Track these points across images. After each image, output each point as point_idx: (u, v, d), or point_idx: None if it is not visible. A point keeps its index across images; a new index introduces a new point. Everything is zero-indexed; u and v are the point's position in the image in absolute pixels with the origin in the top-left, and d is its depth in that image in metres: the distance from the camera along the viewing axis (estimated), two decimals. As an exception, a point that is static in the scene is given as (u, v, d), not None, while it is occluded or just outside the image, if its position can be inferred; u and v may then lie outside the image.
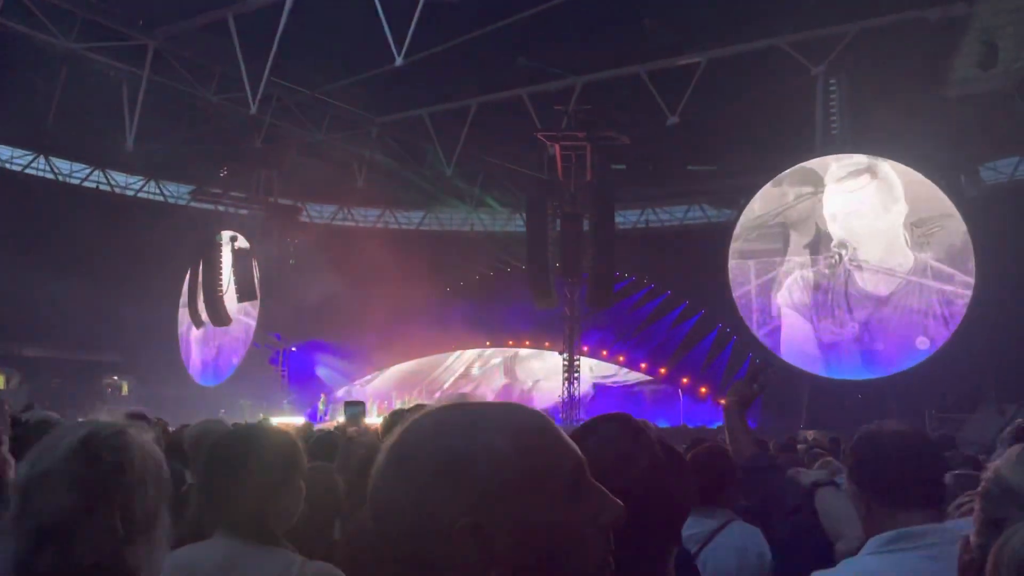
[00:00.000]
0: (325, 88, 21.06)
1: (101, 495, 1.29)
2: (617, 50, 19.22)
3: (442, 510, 0.81)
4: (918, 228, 20.01)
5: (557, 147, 22.30)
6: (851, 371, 20.76)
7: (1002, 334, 19.95)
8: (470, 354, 30.22)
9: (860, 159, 20.57)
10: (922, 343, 19.84)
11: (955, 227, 19.84)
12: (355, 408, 2.97)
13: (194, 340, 29.71)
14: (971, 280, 19.38)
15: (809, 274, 20.98)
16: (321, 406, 25.70)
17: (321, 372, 29.32)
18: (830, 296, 20.68)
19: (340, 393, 29.58)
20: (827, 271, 20.72)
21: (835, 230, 20.67)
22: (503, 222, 30.47)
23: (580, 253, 22.01)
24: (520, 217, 28.69)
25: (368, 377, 30.20)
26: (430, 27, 16.13)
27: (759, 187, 21.66)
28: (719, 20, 17.72)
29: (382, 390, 28.80)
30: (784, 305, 21.22)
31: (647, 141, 21.69)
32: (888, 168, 20.22)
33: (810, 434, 11.84)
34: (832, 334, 20.74)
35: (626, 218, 28.27)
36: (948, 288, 19.64)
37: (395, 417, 3.84)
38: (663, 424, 21.24)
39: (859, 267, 20.37)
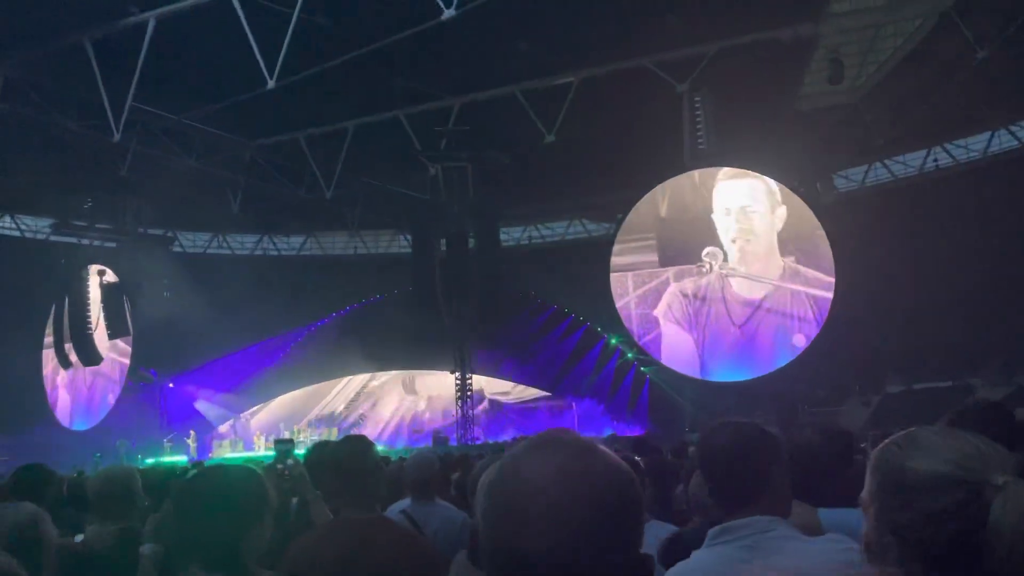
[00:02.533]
0: (194, 112, 20.38)
1: None
2: (493, 70, 19.56)
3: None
4: (785, 233, 21.20)
5: (438, 167, 22.42)
6: (729, 374, 21.70)
7: (861, 331, 21.43)
8: (360, 378, 29.76)
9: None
10: (798, 340, 20.98)
11: (815, 232, 21.11)
12: (285, 445, 2.93)
13: (60, 382, 27.90)
14: (832, 281, 20.66)
15: (688, 286, 21.81)
16: (191, 442, 24.60)
17: (201, 407, 28.15)
18: (708, 309, 21.56)
19: (224, 428, 28.47)
20: (703, 282, 21.60)
21: (728, 222, 21.53)
22: (387, 244, 30.28)
23: (467, 272, 22.15)
24: (404, 239, 28.60)
25: (253, 409, 29.24)
26: (303, 49, 15.92)
27: (634, 201, 22.44)
28: (590, 41, 18.32)
29: (269, 422, 27.91)
30: (663, 318, 21.97)
31: (526, 159, 22.11)
32: (767, 177, 21.38)
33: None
34: (713, 341, 21.63)
35: (510, 235, 28.66)
36: (815, 292, 20.86)
37: (320, 448, 3.82)
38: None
39: (728, 274, 21.34)
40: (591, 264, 23.48)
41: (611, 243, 22.73)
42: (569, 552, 0.88)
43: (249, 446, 25.20)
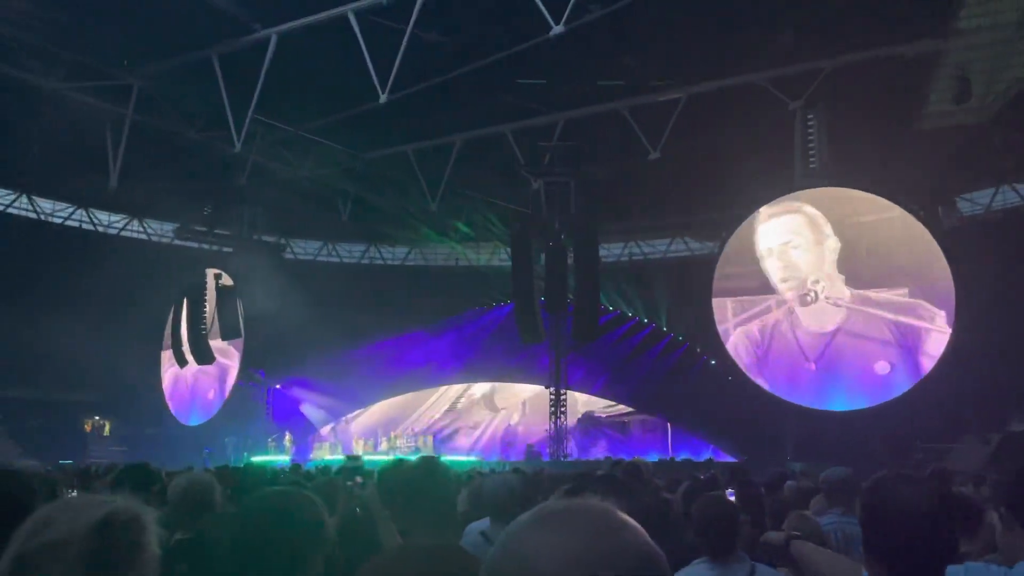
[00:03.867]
0: (310, 125, 21.19)
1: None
2: (599, 86, 19.51)
3: None
4: (880, 262, 20.14)
5: (541, 181, 22.50)
6: (814, 401, 20.73)
7: (982, 364, 20.11)
8: (456, 389, 30.12)
9: (788, 203, 20.79)
10: (881, 367, 19.91)
11: (931, 259, 19.97)
12: (354, 462, 2.99)
13: (177, 379, 29.45)
14: (947, 313, 19.48)
15: (753, 328, 21.02)
16: (288, 444, 25.45)
17: (306, 409, 29.10)
18: (780, 343, 20.69)
19: (325, 431, 29.34)
20: (772, 319, 20.75)
21: (773, 264, 20.80)
22: (487, 257, 30.59)
23: (565, 287, 22.09)
24: (505, 252, 28.83)
25: (354, 414, 30.01)
26: (414, 65, 16.31)
27: (740, 220, 21.85)
28: (699, 57, 18.03)
29: (367, 427, 28.61)
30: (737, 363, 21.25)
31: (629, 175, 21.92)
32: (813, 210, 20.48)
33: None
34: (788, 380, 20.74)
35: (610, 251, 28.44)
36: (902, 319, 19.72)
37: (394, 468, 3.85)
38: (653, 457, 21.15)
39: (822, 303, 20.41)
40: (692, 283, 23.00)
41: (713, 262, 22.18)
42: None
43: (348, 449, 25.86)
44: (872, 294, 19.98)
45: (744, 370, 20.96)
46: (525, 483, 5.63)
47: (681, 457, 21.56)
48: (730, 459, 22.66)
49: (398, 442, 24.89)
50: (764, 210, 20.82)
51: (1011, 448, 20.04)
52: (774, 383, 20.85)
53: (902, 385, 20.01)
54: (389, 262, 31.47)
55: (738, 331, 21.14)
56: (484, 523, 4.19)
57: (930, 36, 17.53)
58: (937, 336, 19.75)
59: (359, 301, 26.88)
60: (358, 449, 25.10)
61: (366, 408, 29.86)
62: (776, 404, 21.54)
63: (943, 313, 19.53)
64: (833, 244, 20.15)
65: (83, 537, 1.32)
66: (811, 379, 20.45)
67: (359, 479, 3.06)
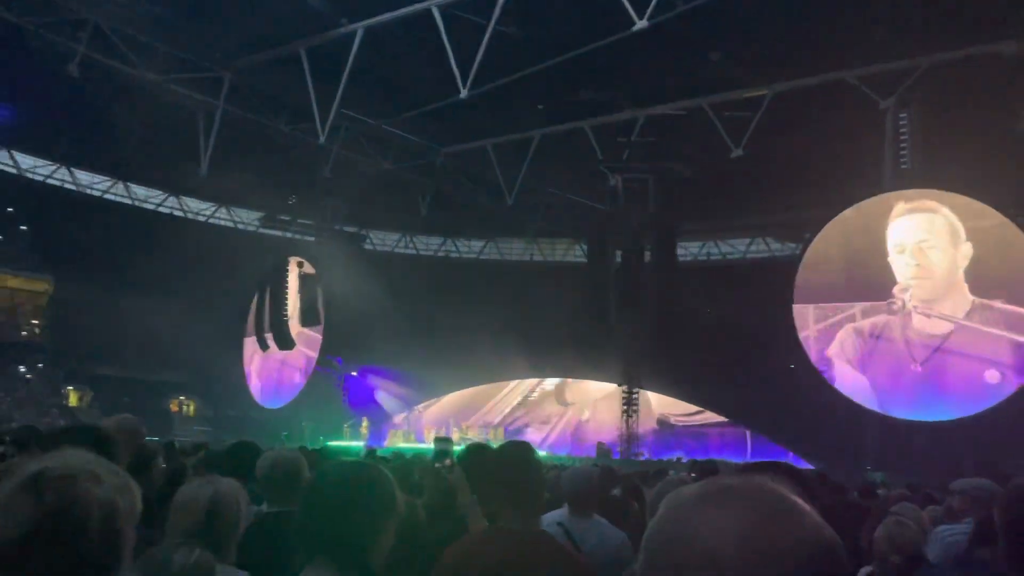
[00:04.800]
0: (392, 119, 21.54)
1: (40, 534, 1.27)
2: (681, 82, 19.24)
3: None
4: (982, 270, 19.26)
5: (619, 178, 22.32)
6: (913, 412, 20.01)
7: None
8: (528, 384, 30.21)
9: (926, 201, 19.95)
10: (992, 376, 19.04)
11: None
12: (444, 444, 3.04)
13: (259, 363, 30.39)
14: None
15: (864, 325, 20.32)
16: (363, 430, 25.90)
17: (380, 397, 29.64)
18: (885, 347, 19.98)
19: (399, 419, 29.82)
20: (882, 321, 20.04)
21: (903, 261, 20.00)
22: (563, 252, 30.55)
23: (641, 285, 21.88)
24: (580, 248, 28.74)
25: (427, 403, 30.42)
26: (495, 59, 16.40)
27: (824, 222, 21.24)
28: (785, 53, 17.61)
29: (439, 417, 28.97)
30: (836, 358, 20.58)
31: (710, 173, 21.55)
32: (950, 212, 19.60)
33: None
34: (890, 382, 20.04)
35: (687, 250, 28.06)
36: (1016, 336, 18.81)
37: (478, 451, 3.88)
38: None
39: (921, 313, 19.65)
40: (773, 285, 22.47)
41: (795, 264, 21.62)
42: None
43: (420, 438, 26.25)
44: (995, 303, 19.12)
45: (846, 363, 20.38)
46: (603, 475, 5.63)
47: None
48: (808, 466, 22.08)
49: (469, 433, 25.11)
50: (899, 204, 20.08)
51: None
52: (875, 384, 20.22)
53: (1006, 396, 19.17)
54: (465, 255, 31.75)
55: (848, 327, 20.55)
56: (560, 513, 4.20)
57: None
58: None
59: (435, 293, 27.20)
60: (429, 438, 25.43)
61: (439, 399, 30.23)
62: (858, 412, 20.90)
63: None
64: (967, 251, 19.31)
65: (10, 495, 1.30)
66: (915, 380, 19.74)
67: (448, 461, 3.10)
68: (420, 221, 27.57)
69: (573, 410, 29.39)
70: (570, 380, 29.42)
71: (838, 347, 20.47)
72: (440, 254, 31.79)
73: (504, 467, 2.76)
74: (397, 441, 25.09)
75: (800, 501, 0.79)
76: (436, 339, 26.37)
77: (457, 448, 3.84)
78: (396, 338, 26.31)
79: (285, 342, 27.10)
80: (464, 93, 17.13)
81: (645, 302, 22.05)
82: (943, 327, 19.50)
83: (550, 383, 29.95)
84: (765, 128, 19.25)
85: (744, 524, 0.75)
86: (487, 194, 24.81)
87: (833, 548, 0.76)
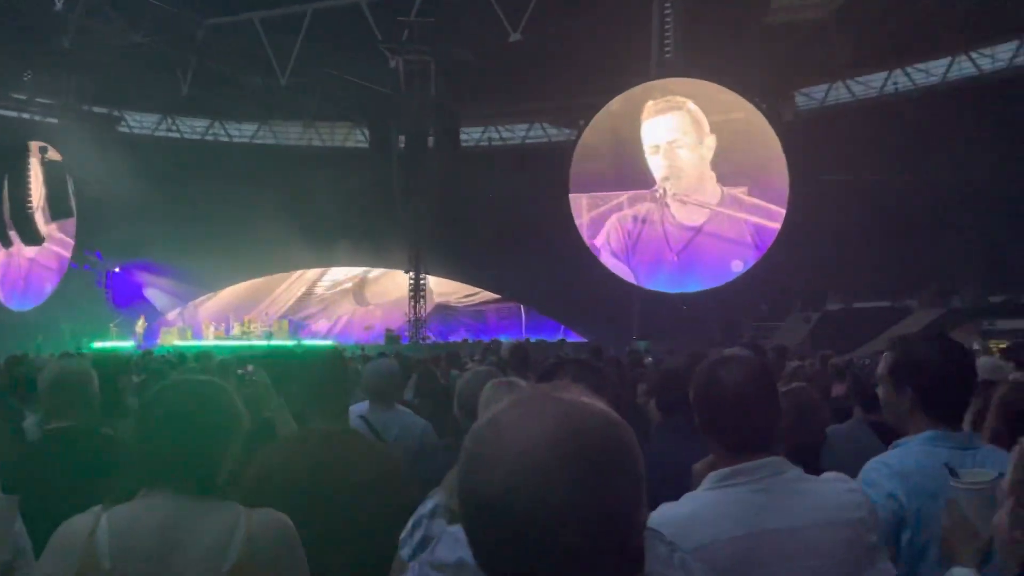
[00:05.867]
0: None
1: None
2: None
3: (633, 508, 0.89)
4: (727, 161, 21.15)
5: (400, 60, 21.75)
6: (670, 287, 22.10)
7: (807, 249, 21.89)
8: (311, 274, 29.61)
9: (673, 98, 21.31)
10: (736, 265, 21.36)
11: (769, 155, 21.13)
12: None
13: (2, 261, 27.22)
14: (781, 209, 20.85)
15: (628, 215, 21.80)
16: (139, 329, 24.35)
17: (150, 293, 27.81)
18: (648, 233, 21.64)
19: (171, 316, 28.27)
20: (645, 208, 21.60)
21: (657, 161, 21.50)
22: (343, 137, 29.60)
23: (425, 171, 21.86)
24: (362, 133, 27.96)
25: (202, 298, 28.99)
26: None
27: (597, 108, 22.16)
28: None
29: (218, 312, 27.76)
30: (603, 250, 22.05)
31: (490, 57, 21.56)
32: (694, 105, 21.15)
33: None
34: (651, 269, 21.87)
35: (469, 135, 28.22)
36: (757, 220, 21.07)
37: (285, 356, 3.80)
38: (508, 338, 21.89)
39: (678, 200, 21.37)
40: (552, 169, 23.31)
41: (570, 151, 22.52)
42: (555, 521, 0.83)
43: (198, 334, 25.12)
44: (740, 193, 21.03)
45: (611, 256, 21.81)
46: (403, 366, 5.78)
47: (536, 339, 22.45)
48: (580, 339, 23.83)
49: (251, 327, 24.36)
50: (649, 104, 21.09)
51: (827, 325, 22.19)
52: (637, 272, 21.87)
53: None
54: (236, 139, 29.85)
55: (613, 218, 21.80)
56: (363, 406, 4.29)
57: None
58: (766, 232, 21.22)
59: (203, 180, 25.50)
60: (208, 335, 24.42)
61: (215, 293, 28.90)
62: (623, 287, 22.68)
63: (781, 207, 20.92)
64: (711, 142, 20.84)
65: None
66: (672, 267, 21.59)
67: (250, 367, 3.03)
68: (182, 102, 25.37)
69: (366, 302, 29.35)
70: (369, 279, 29.16)
71: (604, 238, 21.89)
72: (208, 138, 29.64)
73: (310, 368, 2.76)
74: (172, 339, 23.83)
75: (597, 402, 0.92)
76: (208, 230, 24.90)
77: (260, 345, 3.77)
78: (163, 230, 24.51)
79: (31, 237, 24.43)
80: (227, -40, 15.69)
81: (429, 188, 22.11)
82: (698, 216, 21.40)
83: (342, 278, 29.54)
84: (543, 12, 19.43)
85: (549, 421, 0.88)
86: (258, 73, 23.23)
87: (627, 438, 0.90)
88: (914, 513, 2.06)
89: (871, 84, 26.17)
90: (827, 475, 1.92)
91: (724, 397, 1.84)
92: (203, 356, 7.99)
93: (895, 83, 25.61)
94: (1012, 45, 23.96)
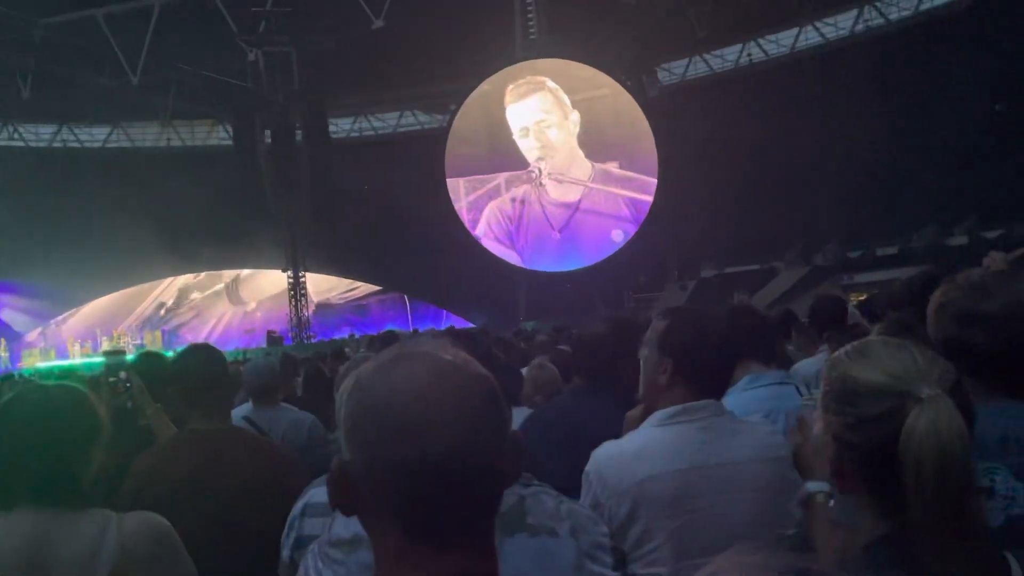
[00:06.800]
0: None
1: None
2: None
3: (505, 432, 0.94)
4: (596, 137, 21.53)
5: (259, 52, 20.97)
6: (555, 265, 22.39)
7: (680, 221, 22.68)
8: (183, 280, 28.30)
9: (533, 78, 21.45)
10: (616, 235, 21.84)
11: (637, 130, 21.67)
12: (117, 357, 2.71)
13: None
14: (653, 180, 21.43)
15: (506, 198, 21.86)
16: (2, 352, 22.74)
17: (5, 315, 25.89)
18: (528, 214, 21.79)
19: (32, 336, 26.46)
20: (522, 191, 21.71)
21: (529, 143, 21.63)
22: (205, 136, 28.35)
23: (294, 165, 21.24)
24: (224, 130, 26.84)
25: (64, 315, 27.22)
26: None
27: (466, 93, 22.11)
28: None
29: (84, 328, 26.13)
30: (485, 238, 21.99)
31: (354, 45, 21.09)
32: (553, 83, 21.40)
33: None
34: (536, 250, 22.04)
35: (339, 126, 27.60)
36: (630, 194, 21.59)
37: (155, 359, 3.57)
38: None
39: (554, 179, 21.59)
40: (426, 157, 23.11)
41: (445, 135, 22.39)
42: (460, 452, 0.86)
43: (63, 354, 23.58)
44: (611, 168, 21.39)
45: (495, 242, 21.76)
46: (284, 363, 5.58)
47: (424, 328, 22.30)
48: (469, 324, 23.83)
49: (122, 340, 23.08)
50: (510, 88, 21.05)
51: (703, 291, 23.08)
52: (523, 254, 21.94)
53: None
54: (87, 144, 28.08)
55: (491, 205, 21.71)
56: (246, 408, 4.12)
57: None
58: (640, 204, 21.80)
59: (53, 190, 23.90)
60: (75, 353, 22.99)
61: (78, 308, 27.19)
62: (508, 270, 22.83)
63: (652, 179, 21.50)
64: (576, 118, 21.04)
65: None
66: (555, 244, 21.79)
67: (124, 374, 2.84)
68: (23, 106, 23.60)
69: (236, 308, 28.32)
70: (244, 276, 28.10)
71: (485, 226, 21.85)
72: (56, 144, 27.74)
73: (192, 371, 2.62)
74: (35, 361, 22.28)
75: (463, 353, 0.95)
76: (63, 243, 23.36)
77: (130, 358, 3.53)
78: (11, 245, 22.80)
79: None
80: (61, -47, 14.64)
81: (300, 182, 21.51)
82: (574, 193, 21.73)
83: (206, 280, 28.37)
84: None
85: (430, 366, 0.91)
86: (106, 73, 21.86)
87: (493, 391, 0.93)
88: None
89: (727, 57, 27.27)
90: (753, 418, 2.14)
91: (711, 346, 2.01)
92: (68, 374, 7.47)
93: (749, 54, 26.78)
94: (852, 14, 25.53)
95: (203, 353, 2.69)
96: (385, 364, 0.93)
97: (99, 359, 20.13)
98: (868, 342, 1.19)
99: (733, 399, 2.32)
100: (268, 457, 2.58)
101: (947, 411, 1.02)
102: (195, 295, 28.60)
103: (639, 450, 1.91)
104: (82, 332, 25.51)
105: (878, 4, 25.06)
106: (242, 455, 2.49)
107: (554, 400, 3.30)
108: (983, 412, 1.40)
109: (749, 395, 2.62)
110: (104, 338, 23.70)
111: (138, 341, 23.25)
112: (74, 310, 27.26)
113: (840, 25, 25.75)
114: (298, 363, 6.43)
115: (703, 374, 1.99)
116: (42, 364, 20.82)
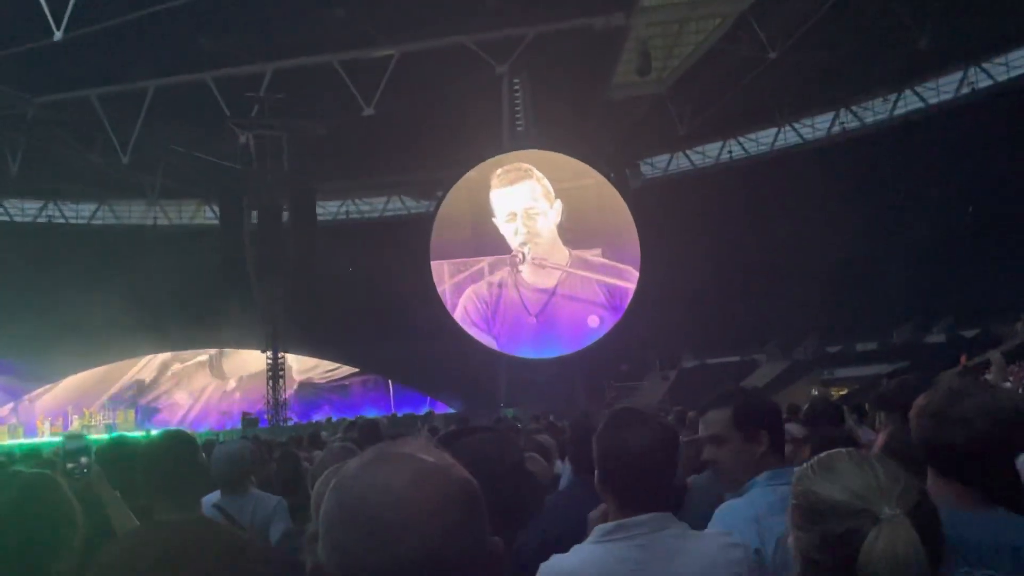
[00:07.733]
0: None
1: None
2: (308, 36, 18.79)
3: (484, 536, 0.92)
4: (580, 225, 21.76)
5: (250, 135, 21.30)
6: (534, 352, 22.22)
7: (662, 309, 22.81)
8: (161, 358, 27.92)
9: (521, 166, 21.84)
10: (592, 321, 21.80)
11: (620, 221, 21.93)
12: (77, 442, 2.59)
13: None
14: (634, 269, 21.58)
15: (484, 284, 21.93)
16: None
17: (-21, 392, 25.35)
18: (506, 299, 21.79)
19: (3, 412, 25.84)
20: (499, 276, 21.77)
21: (515, 228, 21.78)
22: (191, 215, 28.51)
23: (280, 247, 21.30)
24: (212, 210, 27.03)
25: (38, 391, 26.65)
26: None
27: (454, 180, 22.45)
28: (410, 13, 18.00)
29: (57, 405, 25.55)
30: (463, 323, 21.93)
31: (344, 131, 21.50)
32: (539, 172, 21.77)
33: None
34: (512, 334, 21.94)
35: (326, 209, 27.86)
36: (610, 280, 21.70)
37: (121, 445, 3.45)
38: (375, 414, 21.30)
39: (537, 264, 21.68)
40: (409, 242, 23.27)
41: (430, 222, 22.57)
42: (434, 558, 0.85)
43: (31, 431, 22.99)
44: (588, 255, 21.54)
45: (472, 327, 21.63)
46: (257, 449, 5.42)
47: (403, 412, 22.00)
48: (449, 410, 23.55)
49: (94, 419, 22.56)
50: (498, 173, 21.35)
51: (684, 382, 23.01)
52: (500, 338, 21.80)
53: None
54: (73, 221, 28.12)
55: (468, 291, 21.68)
56: (215, 495, 3.98)
57: (617, 11, 19.10)
58: (620, 291, 21.89)
59: (36, 266, 23.79)
60: (44, 431, 22.41)
61: (53, 384, 26.65)
62: (488, 356, 22.70)
63: (634, 269, 21.64)
64: (559, 206, 21.30)
65: None
66: (532, 329, 21.70)
67: (84, 459, 2.71)
68: (11, 182, 23.69)
69: (216, 383, 27.91)
70: (226, 351, 27.80)
71: (462, 312, 21.79)
72: (41, 220, 27.76)
73: (157, 458, 2.52)
74: (2, 439, 21.67)
75: (446, 456, 0.94)
76: (41, 318, 23.11)
77: (93, 439, 3.40)
78: (-7, 319, 22.52)
79: None
80: (58, 35, 14.98)
81: (285, 264, 21.52)
82: (551, 279, 21.77)
83: (187, 359, 28.03)
84: (395, 88, 19.65)
85: (411, 470, 0.89)
86: (96, 151, 22.07)
87: (474, 497, 0.92)
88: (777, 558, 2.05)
89: (708, 153, 28.04)
90: (709, 530, 1.96)
91: (629, 458, 1.84)
92: (31, 454, 7.22)
93: (730, 151, 27.56)
94: (829, 116, 26.45)
95: (174, 439, 2.60)
96: (366, 464, 0.92)
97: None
98: (834, 455, 1.18)
99: (747, 497, 2.16)
100: (235, 546, 2.47)
101: (904, 534, 1.03)
102: (176, 366, 28.17)
103: (576, 569, 1.80)
104: (54, 409, 24.96)
105: (854, 108, 26.02)
106: (208, 546, 2.37)
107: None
108: (970, 519, 1.39)
109: (764, 492, 2.26)
110: (75, 417, 23.18)
111: (110, 420, 22.74)
112: (49, 386, 26.73)
113: (818, 127, 26.67)
114: (272, 447, 6.27)
115: (630, 489, 1.84)
116: (8, 441, 20.25)
